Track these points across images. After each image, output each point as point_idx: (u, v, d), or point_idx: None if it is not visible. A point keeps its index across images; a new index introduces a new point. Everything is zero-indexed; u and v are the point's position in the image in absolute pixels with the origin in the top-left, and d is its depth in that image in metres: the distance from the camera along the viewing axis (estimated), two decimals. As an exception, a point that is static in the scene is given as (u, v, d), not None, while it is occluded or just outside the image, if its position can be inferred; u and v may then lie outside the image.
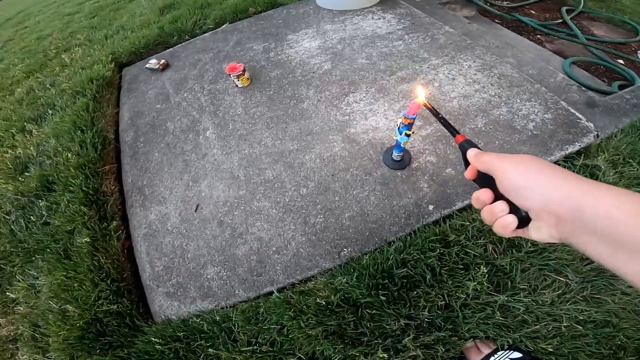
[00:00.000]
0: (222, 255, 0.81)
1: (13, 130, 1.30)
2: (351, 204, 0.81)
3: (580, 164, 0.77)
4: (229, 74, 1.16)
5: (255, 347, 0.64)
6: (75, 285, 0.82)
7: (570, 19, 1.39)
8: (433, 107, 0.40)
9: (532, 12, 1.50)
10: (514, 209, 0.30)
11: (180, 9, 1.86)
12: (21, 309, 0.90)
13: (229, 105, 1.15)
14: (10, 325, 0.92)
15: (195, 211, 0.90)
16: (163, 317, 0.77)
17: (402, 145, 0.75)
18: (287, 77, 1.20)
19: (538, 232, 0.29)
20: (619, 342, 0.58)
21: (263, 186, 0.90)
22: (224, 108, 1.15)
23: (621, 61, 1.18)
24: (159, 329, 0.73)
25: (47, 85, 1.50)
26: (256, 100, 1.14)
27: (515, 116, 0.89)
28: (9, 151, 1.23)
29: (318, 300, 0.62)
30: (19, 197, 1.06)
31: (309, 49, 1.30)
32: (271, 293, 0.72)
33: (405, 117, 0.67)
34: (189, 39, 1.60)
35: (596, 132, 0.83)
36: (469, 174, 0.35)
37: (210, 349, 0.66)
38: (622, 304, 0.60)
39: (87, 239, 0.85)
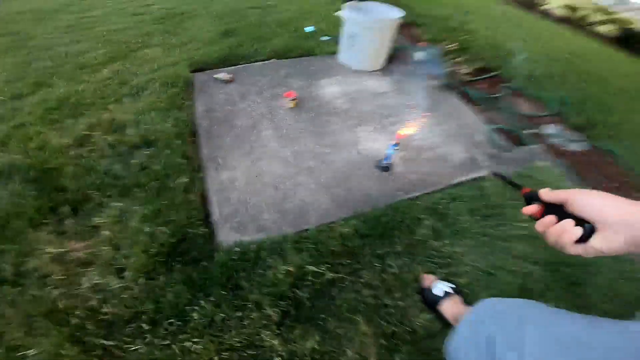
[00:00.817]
0: (275, 208, 1.27)
1: (110, 100, 1.72)
2: (360, 186, 1.33)
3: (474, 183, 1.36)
4: (285, 97, 1.70)
5: (300, 257, 1.09)
6: (171, 212, 1.22)
7: (504, 93, 2.08)
8: (502, 175, 0.55)
9: (484, 85, 2.20)
10: (578, 224, 0.38)
11: (241, 36, 2.42)
12: (106, 233, 1.13)
13: (282, 117, 1.67)
14: (87, 249, 1.11)
15: (256, 177, 1.37)
16: (229, 244, 1.19)
17: (390, 156, 1.31)
18: (321, 108, 1.76)
19: (607, 241, 0.35)
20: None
21: (306, 170, 1.40)
22: (279, 118, 1.66)
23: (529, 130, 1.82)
24: (230, 246, 1.15)
25: (135, 72, 1.94)
26: (301, 118, 1.67)
27: (449, 154, 1.50)
28: (105, 114, 1.63)
29: (340, 231, 1.11)
30: (119, 145, 1.46)
31: (334, 92, 1.88)
32: (307, 230, 1.19)
33: (396, 139, 1.24)
34: (247, 64, 2.14)
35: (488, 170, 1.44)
36: (530, 210, 0.45)
37: (268, 259, 1.09)
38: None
39: (186, 179, 1.28)
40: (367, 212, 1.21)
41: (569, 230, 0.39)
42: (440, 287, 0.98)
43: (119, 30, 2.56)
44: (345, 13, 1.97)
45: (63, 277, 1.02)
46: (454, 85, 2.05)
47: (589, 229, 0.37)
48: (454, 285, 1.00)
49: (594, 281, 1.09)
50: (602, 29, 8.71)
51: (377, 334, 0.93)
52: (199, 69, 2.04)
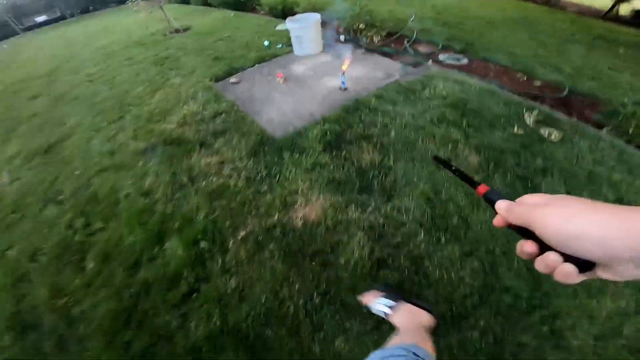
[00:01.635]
0: (294, 120, 2.53)
1: (179, 105, 2.85)
2: (332, 99, 2.65)
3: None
4: (278, 77, 2.98)
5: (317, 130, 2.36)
6: (251, 135, 2.42)
7: (409, 44, 3.59)
8: (445, 161, 0.44)
9: (393, 45, 3.70)
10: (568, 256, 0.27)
11: (226, 59, 3.66)
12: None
13: (280, 87, 2.95)
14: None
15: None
16: (281, 136, 2.43)
17: (344, 82, 2.67)
18: (298, 78, 3.07)
19: (618, 274, 0.26)
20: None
21: (303, 101, 2.69)
22: (278, 88, 2.94)
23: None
24: (282, 136, 2.38)
25: (178, 92, 3.08)
26: (290, 85, 2.96)
27: (376, 77, 2.91)
28: (183, 110, 2.77)
29: (330, 117, 2.42)
30: (205, 116, 2.61)
31: (301, 69, 3.22)
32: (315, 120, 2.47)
33: (342, 72, 2.61)
34: (242, 71, 3.39)
35: (398, 76, 2.87)
36: (499, 222, 0.33)
37: (300, 137, 2.35)
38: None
39: (248, 124, 2.49)
40: (341, 107, 2.53)
41: (562, 269, 0.28)
42: (378, 308, 1.01)
43: (138, 74, 3.66)
44: (288, 25, 3.35)
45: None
46: (372, 49, 3.52)
47: (584, 262, 0.27)
48: (392, 304, 1.02)
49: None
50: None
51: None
52: (215, 79, 3.25)
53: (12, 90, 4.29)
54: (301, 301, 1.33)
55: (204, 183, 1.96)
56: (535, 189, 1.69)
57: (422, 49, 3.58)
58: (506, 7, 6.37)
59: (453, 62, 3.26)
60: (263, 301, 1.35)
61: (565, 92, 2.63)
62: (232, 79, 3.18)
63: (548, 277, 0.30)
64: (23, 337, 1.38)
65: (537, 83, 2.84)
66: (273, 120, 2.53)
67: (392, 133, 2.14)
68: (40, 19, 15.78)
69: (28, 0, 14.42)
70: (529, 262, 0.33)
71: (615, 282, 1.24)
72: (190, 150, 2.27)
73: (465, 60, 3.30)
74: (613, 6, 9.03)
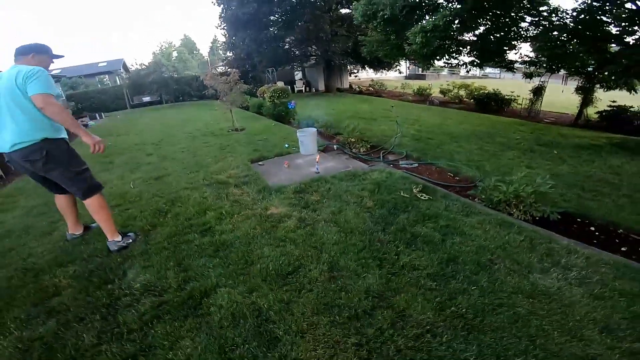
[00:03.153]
0: (286, 180, 4.68)
1: (229, 168, 5.19)
2: (309, 175, 4.84)
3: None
4: (285, 164, 5.34)
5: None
6: (266, 188, 4.56)
7: (383, 154, 5.93)
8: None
9: (372, 154, 6.07)
10: None
11: (261, 151, 6.23)
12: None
13: (285, 169, 5.26)
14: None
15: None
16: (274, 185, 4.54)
17: (317, 168, 4.91)
18: (299, 165, 5.42)
19: None
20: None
21: (296, 174, 4.89)
22: (282, 168, 5.24)
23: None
24: (274, 185, 4.47)
25: (229, 163, 5.51)
26: (292, 169, 5.27)
27: (342, 168, 5.15)
28: (229, 172, 5.07)
29: (300, 186, 4.55)
30: (249, 174, 4.84)
31: (301, 160, 5.61)
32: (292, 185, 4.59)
33: (316, 163, 4.93)
34: (268, 159, 5.86)
35: (352, 168, 5.09)
36: None
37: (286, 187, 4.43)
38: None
39: (262, 184, 4.67)
40: (310, 179, 4.67)
41: None
42: None
43: (209, 152, 6.28)
44: (298, 134, 5.96)
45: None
46: (355, 156, 5.93)
47: None
48: None
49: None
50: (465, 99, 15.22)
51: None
52: (252, 161, 5.69)
53: (136, 148, 7.20)
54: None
55: (232, 198, 4.00)
56: (405, 213, 3.41)
57: (391, 157, 5.91)
58: (481, 124, 8.91)
59: (407, 166, 5.38)
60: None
61: (476, 183, 4.37)
62: (260, 162, 5.61)
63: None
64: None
65: (457, 177, 4.84)
66: (274, 181, 4.70)
67: (331, 191, 4.15)
68: (146, 99, 22.00)
69: (140, 82, 20.38)
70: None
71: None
72: (229, 186, 4.43)
73: (416, 165, 5.45)
74: (580, 112, 10.47)
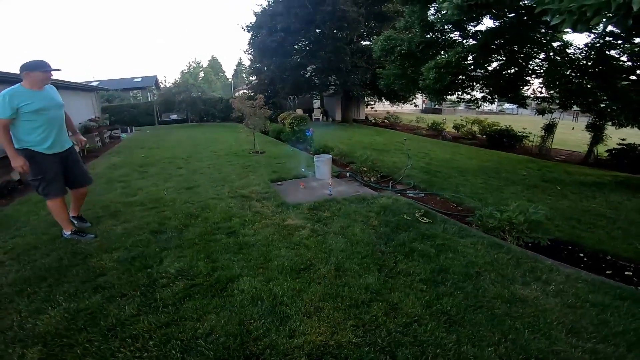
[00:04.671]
0: (303, 199, 5.17)
1: (252, 185, 5.78)
2: (323, 196, 5.32)
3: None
4: (301, 185, 5.88)
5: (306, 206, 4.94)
6: (281, 204, 5.07)
7: (391, 184, 6.38)
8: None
9: (382, 183, 6.53)
10: None
11: (279, 173, 6.82)
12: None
13: (301, 189, 5.79)
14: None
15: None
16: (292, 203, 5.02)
17: (330, 191, 5.41)
18: (313, 187, 5.94)
19: None
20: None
21: (310, 194, 5.39)
22: (298, 189, 5.77)
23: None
24: (291, 202, 4.96)
25: (252, 180, 6.10)
26: (307, 189, 5.80)
27: (356, 192, 5.62)
28: (251, 188, 5.64)
29: (314, 204, 5.04)
30: (269, 190, 5.40)
31: (316, 183, 6.14)
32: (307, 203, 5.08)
33: (329, 186, 5.44)
34: (287, 180, 6.43)
35: (362, 193, 5.53)
36: None
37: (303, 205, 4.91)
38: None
39: (278, 201, 5.19)
40: (324, 199, 5.15)
41: None
42: None
43: (233, 170, 6.94)
44: (315, 159, 6.54)
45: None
46: (365, 184, 6.42)
47: None
48: None
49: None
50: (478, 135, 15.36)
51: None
52: (271, 181, 6.27)
53: (167, 162, 7.99)
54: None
55: (254, 209, 4.52)
56: (406, 232, 3.80)
57: (399, 186, 6.33)
58: (490, 159, 9.16)
59: (414, 195, 5.71)
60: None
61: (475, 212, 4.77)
62: (279, 183, 6.17)
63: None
64: (177, 233, 3.79)
65: (459, 207, 5.19)
66: (291, 199, 5.21)
67: (341, 210, 4.60)
68: (173, 116, 23.31)
69: (170, 100, 20.70)
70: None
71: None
72: (251, 200, 4.97)
73: (422, 194, 5.83)
74: (589, 150, 10.35)
